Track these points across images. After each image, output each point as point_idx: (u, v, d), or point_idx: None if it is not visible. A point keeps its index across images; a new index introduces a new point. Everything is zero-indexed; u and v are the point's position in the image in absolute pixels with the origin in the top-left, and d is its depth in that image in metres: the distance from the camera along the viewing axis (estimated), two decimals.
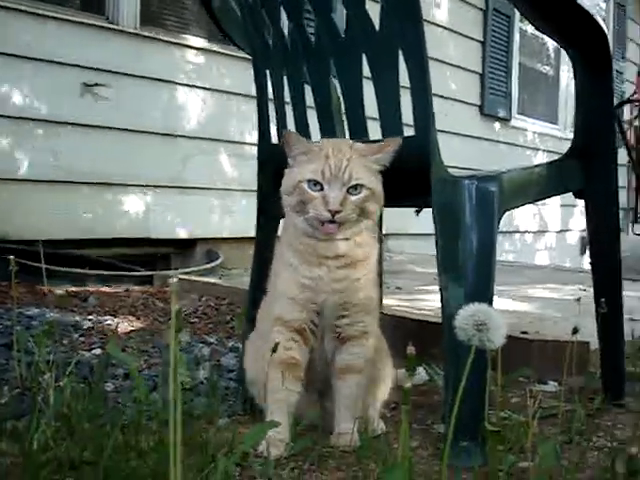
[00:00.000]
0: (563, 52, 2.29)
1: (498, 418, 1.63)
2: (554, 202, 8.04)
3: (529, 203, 1.98)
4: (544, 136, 8.16)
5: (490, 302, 1.60)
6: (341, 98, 1.81)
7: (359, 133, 1.76)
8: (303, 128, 1.87)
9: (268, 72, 1.96)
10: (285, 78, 1.90)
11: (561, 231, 8.41)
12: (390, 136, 1.68)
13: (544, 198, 2.02)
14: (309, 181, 1.60)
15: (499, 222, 1.66)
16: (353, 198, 1.60)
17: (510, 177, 1.78)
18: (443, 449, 1.14)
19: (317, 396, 1.81)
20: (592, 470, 1.59)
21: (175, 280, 0.73)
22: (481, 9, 7.14)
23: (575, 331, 1.85)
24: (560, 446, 1.66)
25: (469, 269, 1.62)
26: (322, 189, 1.59)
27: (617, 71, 9.47)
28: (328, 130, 1.83)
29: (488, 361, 1.31)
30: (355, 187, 1.59)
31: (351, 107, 1.77)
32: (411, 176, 1.69)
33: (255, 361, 1.83)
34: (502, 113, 7.50)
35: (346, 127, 1.81)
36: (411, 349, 1.01)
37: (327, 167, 1.58)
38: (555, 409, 1.95)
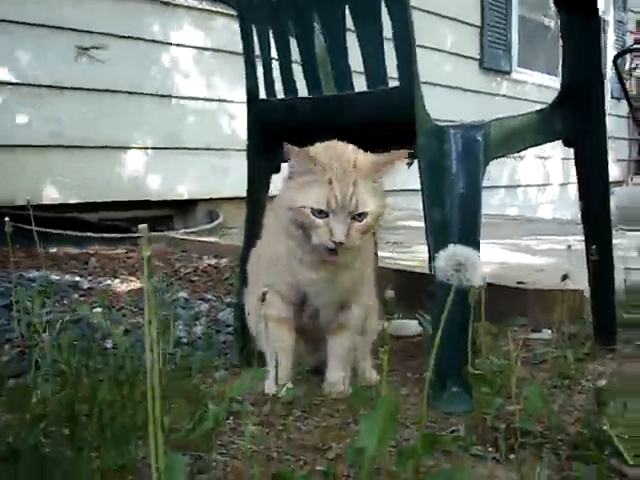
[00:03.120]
0: None
1: (487, 364, 1.65)
2: (556, 155, 8.01)
3: (518, 151, 1.99)
4: (545, 88, 8.10)
5: (476, 249, 1.62)
6: (326, 50, 1.80)
7: (344, 85, 1.76)
8: (289, 82, 1.87)
9: (254, 27, 1.95)
10: (270, 33, 1.90)
11: (563, 184, 8.40)
12: (375, 87, 1.69)
13: (533, 146, 2.02)
14: (313, 209, 1.55)
15: (485, 170, 1.67)
16: (357, 225, 1.56)
17: (497, 126, 1.78)
18: (426, 393, 1.16)
19: (309, 351, 1.86)
20: (579, 412, 1.62)
21: (145, 226, 0.75)
22: None
23: (564, 277, 1.88)
24: (548, 390, 1.70)
25: (455, 218, 1.63)
26: (327, 216, 1.54)
27: (619, 21, 9.38)
28: (314, 83, 1.83)
29: (470, 306, 1.33)
30: (360, 214, 1.56)
31: (336, 59, 1.77)
32: (398, 127, 1.70)
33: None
34: (502, 66, 7.44)
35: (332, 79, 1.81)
36: (389, 293, 1.03)
37: (332, 196, 1.53)
38: (546, 355, 1.98)
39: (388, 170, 1.60)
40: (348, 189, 1.54)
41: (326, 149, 1.61)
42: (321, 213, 1.54)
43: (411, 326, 2.33)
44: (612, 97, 8.70)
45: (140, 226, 0.74)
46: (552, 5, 8.38)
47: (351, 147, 1.63)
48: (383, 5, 1.64)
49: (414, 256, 3.14)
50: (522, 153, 6.89)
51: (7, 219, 2.06)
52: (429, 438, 1.08)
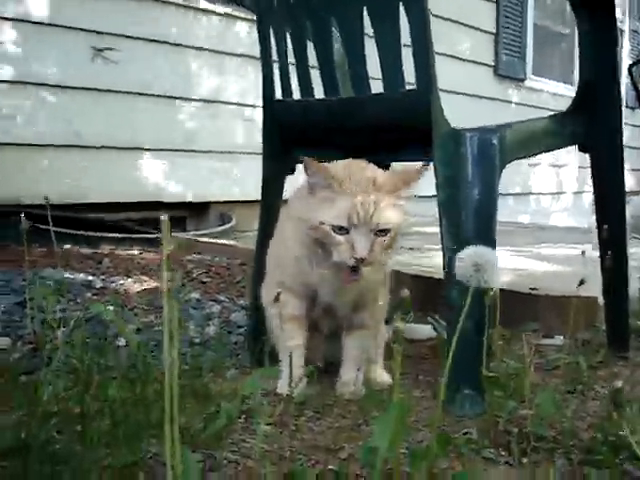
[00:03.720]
0: None
1: (500, 367, 1.65)
2: (571, 163, 7.99)
3: (533, 156, 1.98)
4: (560, 96, 8.08)
5: None
6: (344, 53, 1.80)
7: (361, 87, 1.76)
8: (306, 84, 1.87)
9: (271, 29, 1.95)
10: (288, 36, 1.90)
11: (578, 192, 8.36)
12: (392, 89, 1.69)
13: (549, 150, 2.01)
14: (333, 225, 1.52)
15: (500, 174, 1.67)
16: (380, 240, 1.54)
17: (513, 130, 1.78)
18: (439, 395, 1.16)
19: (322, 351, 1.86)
20: (592, 418, 1.61)
21: (166, 217, 0.74)
22: None
23: (581, 283, 1.86)
24: (562, 395, 1.69)
25: (470, 222, 1.63)
26: (347, 232, 1.52)
27: (634, 31, 9.35)
28: (331, 86, 1.83)
29: (485, 308, 1.33)
30: (382, 230, 1.54)
31: (353, 61, 1.76)
32: (414, 130, 1.69)
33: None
34: (517, 73, 7.42)
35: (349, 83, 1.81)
36: (405, 292, 1.03)
37: (354, 213, 1.50)
38: (559, 361, 1.97)
39: (407, 188, 1.58)
40: (369, 206, 1.51)
41: (345, 167, 1.59)
42: (342, 229, 1.52)
43: (423, 330, 2.32)
44: (627, 106, 8.66)
45: (162, 217, 0.73)
46: (569, 11, 8.37)
47: (370, 165, 1.62)
48: (401, 7, 1.63)
49: (429, 262, 3.14)
50: (536, 160, 6.88)
51: (23, 217, 2.07)
52: (443, 438, 1.07)
